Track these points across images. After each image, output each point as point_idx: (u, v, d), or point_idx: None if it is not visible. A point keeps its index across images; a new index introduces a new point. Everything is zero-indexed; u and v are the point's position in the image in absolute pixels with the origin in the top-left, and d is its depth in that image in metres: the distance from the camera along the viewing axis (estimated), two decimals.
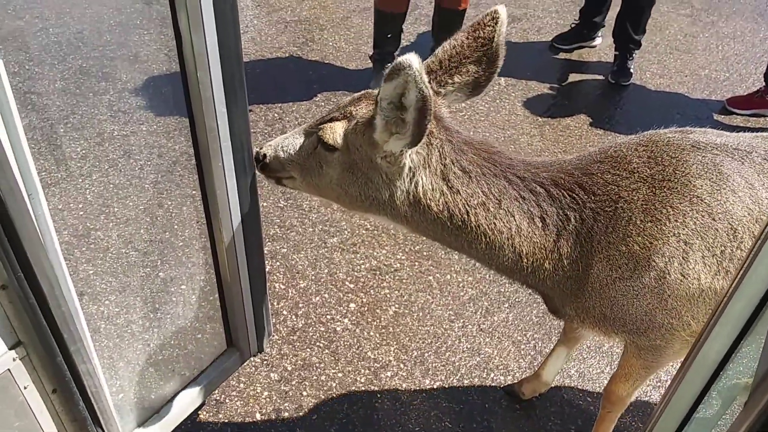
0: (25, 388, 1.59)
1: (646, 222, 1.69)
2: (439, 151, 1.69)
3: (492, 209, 1.71)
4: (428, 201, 1.72)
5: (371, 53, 4.43)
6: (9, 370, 1.52)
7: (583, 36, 4.95)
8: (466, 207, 1.71)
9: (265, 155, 1.86)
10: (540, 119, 4.24)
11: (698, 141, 1.78)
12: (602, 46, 5.00)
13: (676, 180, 1.71)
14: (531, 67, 4.74)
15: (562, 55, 4.94)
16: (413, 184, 1.71)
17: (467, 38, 1.78)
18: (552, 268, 1.78)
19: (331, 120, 1.75)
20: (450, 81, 1.80)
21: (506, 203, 1.72)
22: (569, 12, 5.42)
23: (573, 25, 5.00)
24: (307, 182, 1.84)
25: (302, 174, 1.83)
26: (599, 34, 4.99)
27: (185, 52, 1.68)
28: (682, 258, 1.70)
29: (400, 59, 1.45)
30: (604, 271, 1.75)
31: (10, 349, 1.51)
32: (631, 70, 4.63)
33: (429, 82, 1.73)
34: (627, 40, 4.54)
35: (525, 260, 1.77)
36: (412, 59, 1.43)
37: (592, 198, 1.73)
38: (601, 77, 4.72)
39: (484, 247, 1.76)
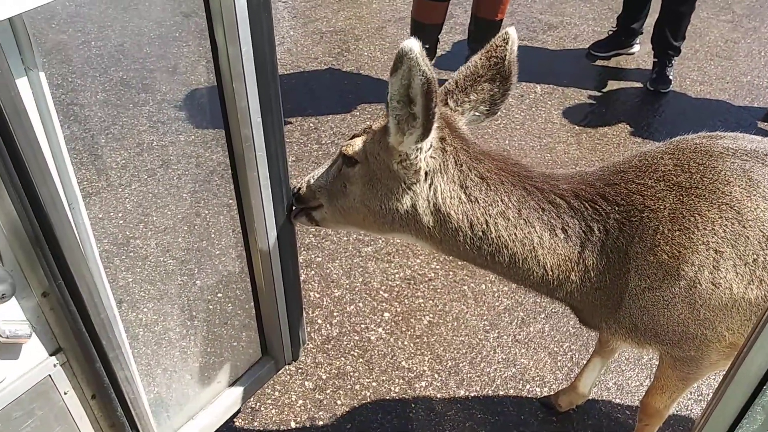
0: (65, 393, 1.62)
1: (674, 231, 1.67)
2: (454, 157, 1.70)
3: (512, 219, 1.70)
4: (447, 209, 1.71)
5: None
6: (50, 375, 1.56)
7: (621, 43, 4.88)
8: (485, 216, 1.71)
9: (299, 188, 1.96)
10: (577, 127, 4.19)
11: (728, 146, 1.74)
12: (640, 53, 4.94)
13: (704, 187, 1.68)
14: (567, 74, 4.70)
15: (599, 63, 4.89)
16: (432, 191, 1.71)
17: (481, 59, 1.80)
18: (579, 280, 1.76)
19: (353, 138, 1.82)
20: (466, 99, 1.82)
21: (526, 213, 1.71)
22: (606, 19, 5.36)
23: (610, 33, 4.94)
24: (334, 207, 1.87)
25: (329, 199, 1.87)
26: (637, 41, 4.92)
27: (221, 64, 1.71)
28: (713, 267, 1.67)
29: (399, 47, 1.46)
30: (633, 281, 1.72)
31: (50, 355, 1.54)
32: (671, 77, 4.56)
33: (445, 96, 1.81)
34: (666, 46, 4.47)
35: (550, 273, 1.75)
36: (411, 44, 1.44)
37: (616, 208, 1.71)
38: (639, 85, 4.66)
39: (507, 260, 1.75)
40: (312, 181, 1.92)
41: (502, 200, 1.70)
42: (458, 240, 1.75)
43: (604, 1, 5.63)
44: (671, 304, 1.72)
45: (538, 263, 1.74)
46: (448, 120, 1.77)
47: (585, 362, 2.59)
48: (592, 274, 1.75)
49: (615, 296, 1.77)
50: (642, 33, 4.87)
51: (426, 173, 1.70)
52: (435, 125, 1.59)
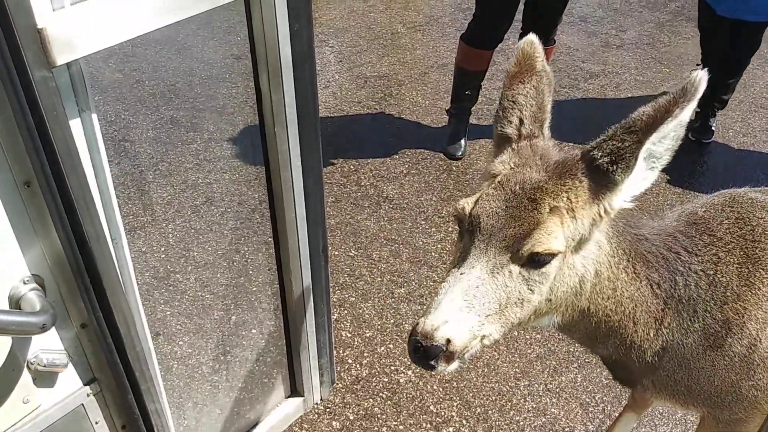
0: (96, 423, 1.67)
1: (741, 286, 1.60)
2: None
3: (631, 274, 1.55)
4: (607, 269, 1.53)
5: (448, 108, 4.50)
6: (83, 405, 1.61)
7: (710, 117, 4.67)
8: (617, 270, 1.53)
9: (448, 340, 1.31)
10: None
11: None
12: None
13: (766, 241, 1.64)
14: (608, 123, 4.68)
15: None
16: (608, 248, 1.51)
17: (526, 84, 1.52)
18: (654, 336, 1.63)
19: (523, 233, 1.32)
20: (543, 119, 1.53)
21: (640, 267, 1.55)
22: (648, 68, 5.37)
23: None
24: (506, 323, 1.40)
25: (499, 318, 1.38)
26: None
27: (264, 108, 1.78)
28: None
29: (690, 79, 1.23)
30: (698, 340, 1.63)
31: (85, 384, 1.59)
32: (714, 128, 4.52)
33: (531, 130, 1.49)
34: (713, 99, 4.44)
35: (640, 330, 1.60)
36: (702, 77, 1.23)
37: (696, 259, 1.60)
38: None
39: (615, 319, 1.59)
40: (474, 321, 1.33)
41: (625, 252, 1.53)
42: (592, 301, 1.54)
43: (646, 51, 5.63)
44: (730, 365, 1.64)
45: (634, 322, 1.60)
46: None
47: (617, 415, 2.55)
48: (665, 332, 1.63)
49: (676, 356, 1.67)
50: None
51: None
52: None
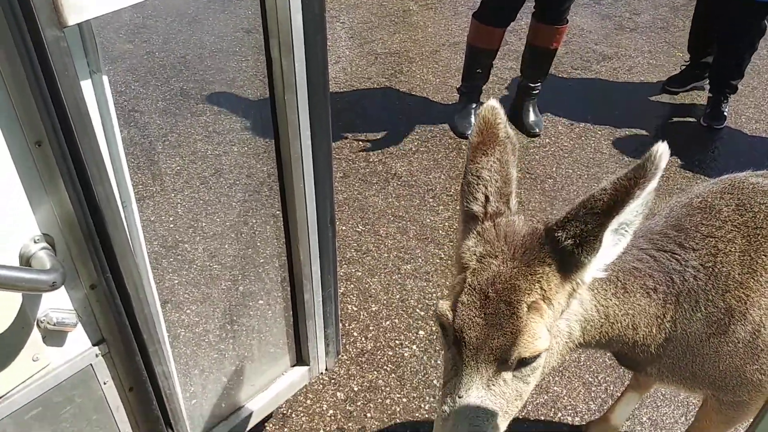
0: (104, 383, 1.69)
1: (743, 274, 1.60)
2: None
3: (621, 295, 1.60)
4: (593, 312, 1.57)
5: (458, 86, 4.49)
6: (91, 365, 1.63)
7: (697, 76, 4.81)
8: (606, 302, 1.59)
9: None
10: (626, 159, 4.16)
11: None
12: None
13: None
14: (619, 105, 4.68)
15: (653, 96, 4.85)
16: (590, 302, 1.56)
17: (489, 157, 1.45)
18: (657, 332, 1.66)
19: (508, 343, 1.30)
20: (509, 193, 1.46)
21: (630, 283, 1.60)
22: (662, 52, 5.32)
23: (683, 68, 4.88)
24: (508, 418, 1.43)
25: (504, 417, 1.40)
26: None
27: (275, 76, 1.78)
28: None
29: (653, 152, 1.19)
30: (702, 328, 1.64)
31: (94, 345, 1.61)
32: (726, 114, 4.49)
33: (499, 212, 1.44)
34: (723, 84, 4.41)
35: (640, 333, 1.64)
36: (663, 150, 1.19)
37: (693, 254, 1.63)
38: (692, 120, 4.60)
39: (613, 333, 1.63)
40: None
41: (610, 280, 1.57)
42: (585, 337, 1.58)
43: (660, 35, 5.59)
44: (734, 351, 1.66)
45: (634, 329, 1.63)
46: None
47: (619, 395, 2.56)
48: (668, 326, 1.65)
49: (680, 345, 1.69)
50: None
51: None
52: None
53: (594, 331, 1.57)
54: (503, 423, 1.40)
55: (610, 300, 1.56)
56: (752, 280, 1.61)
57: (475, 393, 1.33)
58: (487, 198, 1.42)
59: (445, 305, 1.38)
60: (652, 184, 1.21)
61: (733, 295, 1.61)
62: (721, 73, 4.38)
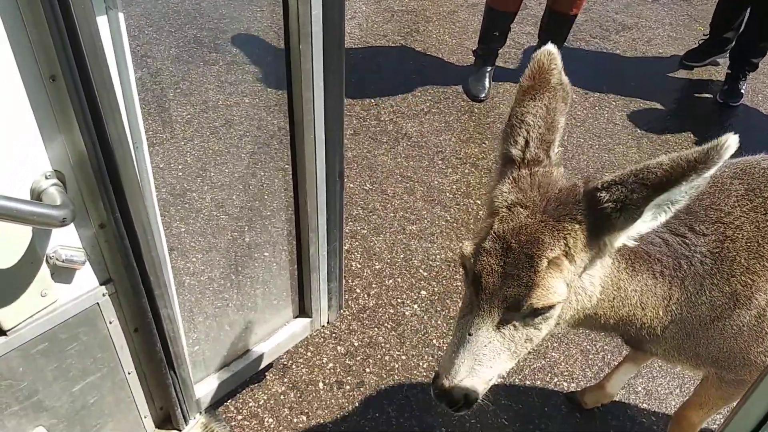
0: (110, 323, 1.72)
1: (750, 259, 1.60)
2: None
3: (630, 275, 1.60)
4: (616, 282, 1.58)
5: (474, 48, 4.43)
6: (98, 303, 1.65)
7: (714, 53, 4.73)
8: (618, 278, 1.58)
9: (469, 396, 1.45)
10: (639, 131, 4.13)
11: None
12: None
13: None
14: (636, 77, 4.63)
15: (670, 70, 4.79)
16: (614, 268, 1.56)
17: (537, 102, 1.44)
18: (663, 314, 1.67)
19: (522, 293, 1.34)
20: (551, 141, 1.45)
21: (638, 264, 1.59)
22: (683, 25, 5.24)
23: (701, 42, 4.80)
24: (516, 359, 1.49)
25: (511, 357, 1.46)
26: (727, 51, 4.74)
27: (290, 24, 1.76)
28: None
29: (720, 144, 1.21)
30: (706, 311, 1.65)
31: (101, 284, 1.63)
32: (743, 91, 4.44)
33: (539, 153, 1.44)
34: (744, 62, 4.34)
35: (648, 314, 1.64)
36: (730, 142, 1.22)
37: (702, 240, 1.62)
38: (709, 96, 4.55)
39: (624, 312, 1.64)
40: (486, 374, 1.44)
41: (623, 255, 1.56)
42: (600, 306, 1.59)
43: (682, 7, 5.49)
44: (738, 333, 1.67)
45: (643, 308, 1.63)
46: None
47: (616, 363, 2.59)
48: (674, 308, 1.66)
49: (685, 327, 1.70)
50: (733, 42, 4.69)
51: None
52: None
53: (607, 303, 1.58)
54: (511, 361, 1.46)
55: (622, 274, 1.57)
56: (758, 266, 1.60)
57: (485, 334, 1.40)
58: (527, 143, 1.42)
59: (468, 248, 1.41)
60: (711, 171, 1.21)
61: (738, 280, 1.61)
62: (745, 50, 4.31)
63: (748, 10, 4.28)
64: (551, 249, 1.32)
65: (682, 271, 1.62)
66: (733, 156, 1.26)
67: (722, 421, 2.60)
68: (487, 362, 1.42)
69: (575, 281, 1.43)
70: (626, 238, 1.36)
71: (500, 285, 1.34)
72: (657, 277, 1.62)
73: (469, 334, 1.40)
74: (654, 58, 4.87)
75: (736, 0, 4.38)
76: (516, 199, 1.38)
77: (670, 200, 1.28)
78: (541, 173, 1.40)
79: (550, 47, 1.44)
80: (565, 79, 1.45)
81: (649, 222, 1.32)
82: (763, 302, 1.62)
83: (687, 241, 1.63)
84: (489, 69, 4.31)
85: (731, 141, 1.20)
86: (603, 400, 2.59)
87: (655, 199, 1.25)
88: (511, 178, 1.42)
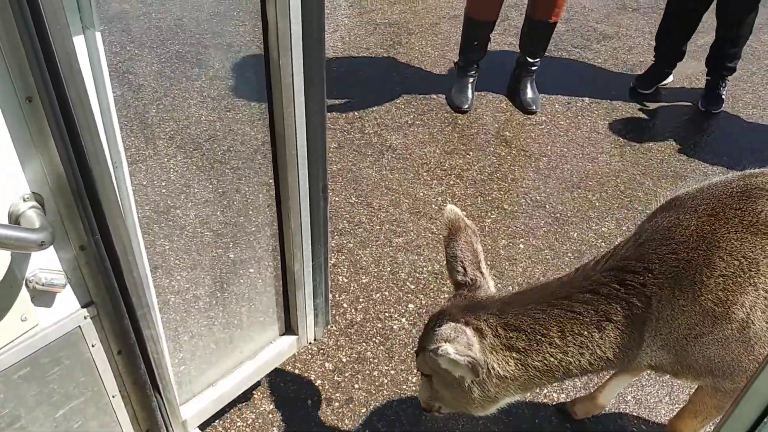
0: (92, 346, 1.69)
1: (716, 278, 1.66)
2: (491, 331, 1.79)
3: (559, 342, 1.76)
4: (507, 373, 1.82)
5: (456, 60, 4.45)
6: (80, 327, 1.62)
7: (664, 75, 4.69)
8: (538, 355, 1.79)
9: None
10: (621, 140, 4.15)
11: (765, 184, 1.75)
12: (694, 72, 4.85)
13: (744, 230, 1.67)
14: (617, 86, 4.66)
15: None
16: (493, 371, 1.82)
17: (458, 241, 1.97)
18: (637, 348, 1.79)
19: None
20: (479, 261, 1.97)
21: (568, 328, 1.76)
22: None
23: (651, 66, 4.70)
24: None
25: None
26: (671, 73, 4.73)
27: (270, 38, 1.76)
28: (765, 305, 1.66)
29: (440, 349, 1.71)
30: (683, 332, 1.73)
31: (82, 307, 1.60)
32: (723, 98, 4.47)
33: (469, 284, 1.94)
34: (721, 68, 4.37)
35: (614, 355, 1.79)
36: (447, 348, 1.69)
37: (650, 276, 1.72)
38: (690, 103, 4.58)
39: (577, 370, 1.82)
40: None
41: (542, 334, 1.77)
42: (534, 381, 1.85)
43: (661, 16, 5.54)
44: (725, 344, 1.71)
45: (602, 356, 1.79)
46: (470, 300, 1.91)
47: (607, 374, 2.58)
48: (645, 336, 1.77)
49: (667, 350, 1.79)
50: (682, 59, 4.64)
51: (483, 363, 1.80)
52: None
53: (537, 372, 1.83)
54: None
55: (545, 350, 1.79)
56: (729, 282, 1.66)
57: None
58: (464, 269, 1.93)
59: None
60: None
61: (707, 298, 1.68)
62: (720, 57, 4.34)
63: (715, 16, 4.29)
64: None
65: (639, 308, 1.73)
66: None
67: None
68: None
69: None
70: None
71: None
72: (605, 327, 1.75)
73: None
74: (635, 66, 4.90)
75: (678, 27, 4.38)
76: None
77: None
78: (470, 296, 1.91)
79: (451, 206, 1.99)
80: (470, 222, 1.97)
81: None
82: (743, 315, 1.65)
83: (629, 282, 1.73)
84: (471, 80, 4.33)
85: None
86: (594, 411, 2.58)
87: None
88: (458, 295, 1.94)
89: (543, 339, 1.77)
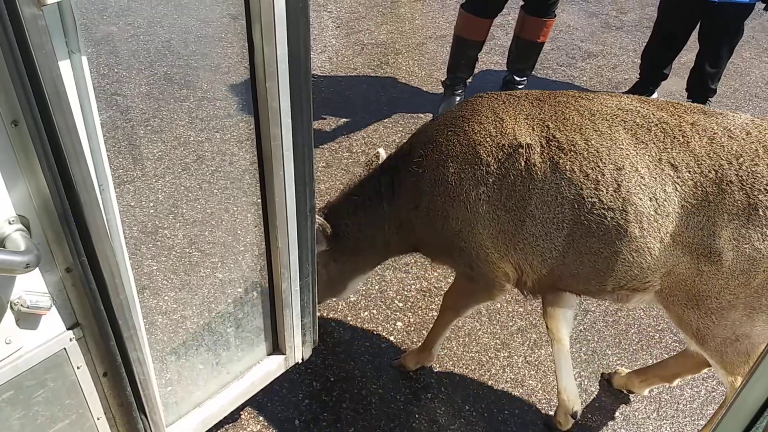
0: (78, 368, 1.68)
1: (432, 158, 2.31)
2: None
3: (355, 223, 2.59)
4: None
5: (443, 78, 4.49)
6: (65, 349, 1.62)
7: (648, 92, 4.71)
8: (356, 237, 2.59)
9: None
10: None
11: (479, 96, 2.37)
12: (678, 89, 4.91)
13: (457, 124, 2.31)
14: None
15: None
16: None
17: None
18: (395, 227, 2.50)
19: None
20: None
21: (361, 213, 2.57)
22: None
23: (635, 84, 4.75)
24: None
25: None
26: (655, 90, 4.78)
27: (256, 63, 1.77)
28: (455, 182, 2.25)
29: None
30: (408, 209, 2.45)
31: (68, 329, 1.60)
32: None
33: None
34: (704, 89, 4.43)
35: (383, 234, 2.54)
36: None
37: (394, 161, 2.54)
38: None
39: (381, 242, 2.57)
40: None
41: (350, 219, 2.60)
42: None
43: (645, 34, 5.61)
44: (428, 220, 2.31)
45: (383, 233, 2.53)
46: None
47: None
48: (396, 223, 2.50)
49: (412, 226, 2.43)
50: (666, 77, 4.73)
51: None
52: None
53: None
54: None
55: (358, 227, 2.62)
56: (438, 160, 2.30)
57: None
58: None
59: None
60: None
61: (423, 176, 2.34)
62: (702, 79, 4.38)
63: (698, 40, 4.35)
64: None
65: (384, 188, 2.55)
66: None
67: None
68: None
69: None
70: None
71: None
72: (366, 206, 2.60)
73: None
74: (620, 84, 4.96)
75: (665, 48, 4.45)
76: None
77: None
78: None
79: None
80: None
81: None
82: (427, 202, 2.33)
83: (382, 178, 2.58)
84: (459, 98, 4.36)
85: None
86: (570, 410, 2.56)
87: None
88: None
89: (351, 219, 2.58)
